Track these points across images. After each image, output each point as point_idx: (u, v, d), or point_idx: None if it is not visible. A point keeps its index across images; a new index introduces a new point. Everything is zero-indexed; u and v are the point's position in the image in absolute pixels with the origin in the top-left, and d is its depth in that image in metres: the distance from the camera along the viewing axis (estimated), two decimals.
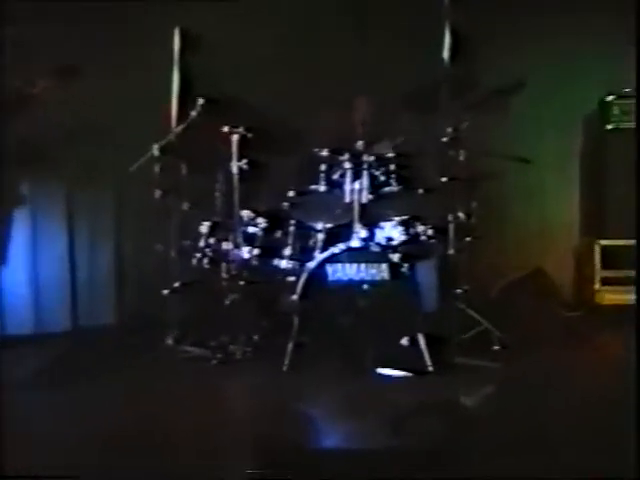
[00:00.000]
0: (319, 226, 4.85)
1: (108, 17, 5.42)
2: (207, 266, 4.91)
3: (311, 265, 4.53)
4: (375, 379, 4.31)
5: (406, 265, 4.48)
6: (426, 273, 4.94)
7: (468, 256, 4.88)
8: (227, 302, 4.63)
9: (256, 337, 4.72)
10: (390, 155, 4.74)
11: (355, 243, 4.58)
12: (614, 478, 3.04)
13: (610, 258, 5.68)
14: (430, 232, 4.80)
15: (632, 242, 5.06)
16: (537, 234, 6.16)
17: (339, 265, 4.49)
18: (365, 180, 4.66)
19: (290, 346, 4.40)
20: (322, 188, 4.77)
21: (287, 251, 4.87)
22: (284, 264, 4.85)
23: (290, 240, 4.89)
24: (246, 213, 4.91)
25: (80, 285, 5.62)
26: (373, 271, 4.47)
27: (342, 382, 4.22)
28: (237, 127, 4.64)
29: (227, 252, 4.75)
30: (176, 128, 4.88)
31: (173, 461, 3.28)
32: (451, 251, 4.82)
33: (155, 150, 4.77)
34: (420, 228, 4.80)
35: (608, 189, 5.78)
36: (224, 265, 4.74)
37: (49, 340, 5.13)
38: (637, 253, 4.90)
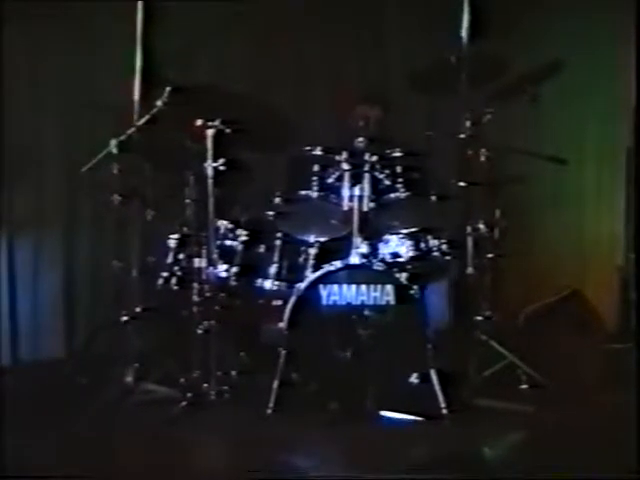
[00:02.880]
0: (311, 239, 4.91)
1: None
2: (175, 287, 4.94)
3: (301, 286, 4.56)
4: (378, 424, 4.34)
5: (416, 287, 4.53)
6: (440, 296, 5.02)
7: (490, 276, 4.94)
8: (199, 331, 4.65)
9: (234, 373, 4.74)
10: (397, 155, 4.81)
11: (354, 260, 4.62)
12: None
13: None
14: (444, 247, 4.86)
15: None
16: (574, 250, 6.24)
17: (335, 286, 4.53)
18: (366, 184, 4.70)
19: (275, 385, 4.43)
20: (315, 194, 4.82)
21: (272, 269, 4.92)
22: (269, 285, 4.90)
23: (276, 256, 4.93)
24: (223, 224, 4.95)
25: (21, 311, 5.63)
26: (376, 294, 4.52)
27: (338, 428, 4.24)
28: (212, 120, 4.65)
29: (200, 270, 4.76)
30: (139, 120, 4.91)
31: None
32: (470, 270, 4.88)
33: (113, 147, 4.80)
34: (432, 242, 4.86)
35: None
36: (196, 286, 4.75)
37: None
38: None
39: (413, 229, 4.85)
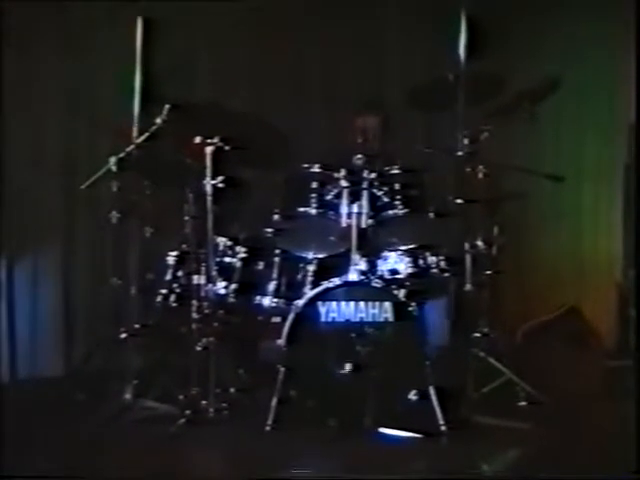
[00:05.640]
0: (309, 256, 4.91)
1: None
2: (174, 304, 4.96)
3: (300, 303, 4.57)
4: (377, 441, 4.34)
5: (414, 304, 4.54)
6: (438, 313, 5.03)
7: (488, 293, 4.95)
8: (198, 348, 4.65)
9: (233, 390, 4.75)
10: (395, 172, 4.83)
11: (353, 277, 4.63)
12: None
13: None
14: (443, 264, 4.87)
15: None
16: (571, 266, 6.25)
17: (334, 303, 4.54)
18: (365, 201, 4.72)
19: (274, 402, 4.44)
20: (313, 211, 4.83)
21: (271, 286, 4.92)
22: (267, 302, 4.91)
23: (275, 273, 4.94)
24: (222, 241, 4.97)
25: (20, 329, 5.65)
26: (375, 311, 4.53)
27: (337, 445, 4.25)
28: (211, 137, 4.67)
29: (198, 287, 4.76)
30: (138, 138, 4.93)
31: None
32: (468, 287, 4.90)
33: (112, 164, 4.82)
34: (431, 259, 4.87)
35: None
36: (195, 303, 4.74)
37: None
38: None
39: (411, 246, 4.86)
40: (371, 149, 5.19)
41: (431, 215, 4.84)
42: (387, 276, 4.79)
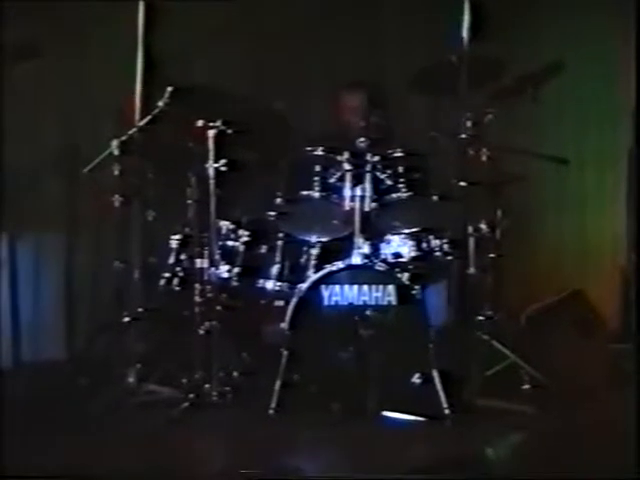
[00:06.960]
0: (313, 240, 4.90)
1: None
2: (177, 288, 4.95)
3: (303, 287, 4.57)
4: (380, 425, 4.35)
5: (417, 287, 4.54)
6: (441, 297, 5.02)
7: (492, 276, 4.94)
8: (201, 331, 4.66)
9: (236, 374, 4.75)
10: (398, 155, 4.81)
11: (356, 260, 4.62)
12: None
13: None
14: (446, 247, 4.85)
15: None
16: (576, 250, 6.25)
17: (337, 287, 4.54)
18: (368, 185, 4.70)
19: (278, 385, 4.44)
20: (316, 194, 4.81)
21: (274, 270, 4.92)
22: (270, 285, 4.90)
23: (278, 257, 4.94)
24: (224, 224, 4.96)
25: (22, 313, 5.65)
26: (378, 294, 4.52)
27: (340, 428, 4.25)
28: (214, 121, 4.65)
29: (201, 271, 4.77)
30: (140, 121, 4.91)
31: None
32: (471, 270, 4.89)
33: (114, 148, 4.81)
34: (434, 242, 4.85)
35: None
36: (198, 287, 4.75)
37: None
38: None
39: (415, 229, 4.84)
40: (373, 131, 5.15)
41: (434, 198, 4.82)
42: (390, 259, 4.78)
